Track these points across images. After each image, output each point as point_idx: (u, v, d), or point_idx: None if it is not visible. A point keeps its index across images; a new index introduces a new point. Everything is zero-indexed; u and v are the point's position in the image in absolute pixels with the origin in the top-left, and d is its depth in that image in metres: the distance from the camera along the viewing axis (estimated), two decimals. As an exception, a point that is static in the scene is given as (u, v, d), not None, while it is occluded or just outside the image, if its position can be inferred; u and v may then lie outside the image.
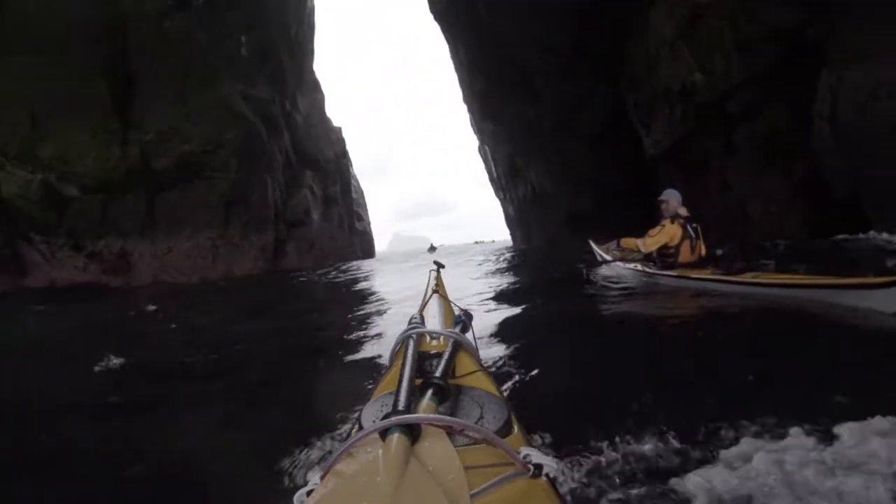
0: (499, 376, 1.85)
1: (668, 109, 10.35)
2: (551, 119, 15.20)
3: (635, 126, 12.14)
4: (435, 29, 20.15)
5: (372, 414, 0.74)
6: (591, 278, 5.06)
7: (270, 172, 15.99)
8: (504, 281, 6.30)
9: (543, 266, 8.39)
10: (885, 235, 5.75)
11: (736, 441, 1.11)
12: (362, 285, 8.42)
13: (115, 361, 2.75)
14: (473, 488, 0.47)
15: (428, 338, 1.01)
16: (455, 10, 17.08)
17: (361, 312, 4.50)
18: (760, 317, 2.78)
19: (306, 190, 18.30)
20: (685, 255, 4.22)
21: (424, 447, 0.53)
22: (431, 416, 0.58)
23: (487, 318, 3.23)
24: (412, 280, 6.91)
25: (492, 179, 24.27)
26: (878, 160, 6.13)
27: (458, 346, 0.90)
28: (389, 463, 0.47)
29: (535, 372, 1.89)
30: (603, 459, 1.06)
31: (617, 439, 1.14)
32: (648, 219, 4.52)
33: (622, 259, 5.06)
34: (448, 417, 0.57)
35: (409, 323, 1.02)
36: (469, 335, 1.12)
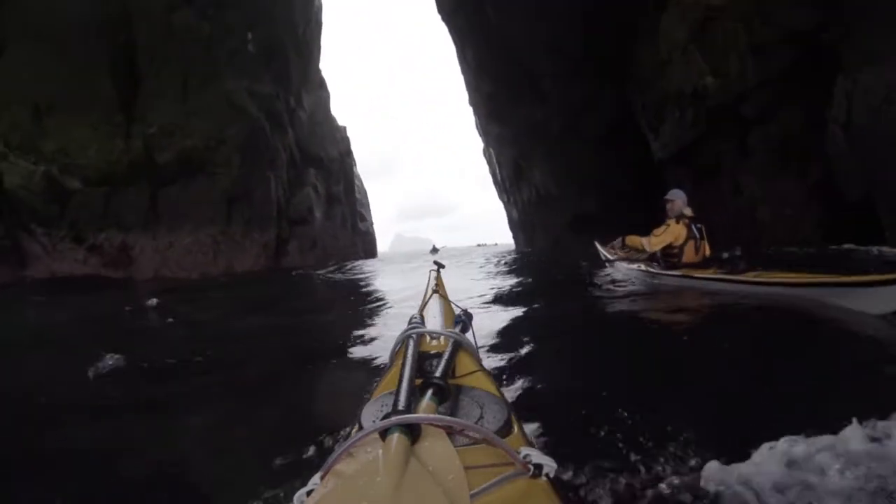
0: (499, 376, 1.84)
1: (678, 113, 10.31)
2: (558, 121, 15.22)
3: (642, 129, 12.11)
4: (441, 28, 20.24)
5: (372, 414, 0.73)
6: (593, 279, 5.07)
7: (274, 170, 16.02)
8: (505, 282, 6.30)
9: (546, 268, 8.40)
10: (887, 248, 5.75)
11: (738, 441, 1.11)
12: (364, 285, 8.43)
13: (114, 357, 2.74)
14: (473, 488, 0.47)
15: (428, 338, 1.01)
16: (463, 12, 17.12)
17: (362, 312, 4.50)
18: (762, 316, 2.81)
19: (309, 188, 18.32)
20: (689, 255, 4.23)
21: (424, 447, 0.53)
22: (431, 416, 0.58)
23: (488, 318, 3.23)
24: (413, 280, 6.91)
25: (496, 182, 24.28)
26: (893, 164, 6.12)
27: (458, 346, 0.90)
28: (389, 463, 0.47)
29: (535, 372, 1.89)
30: (603, 459, 1.06)
31: (617, 439, 1.13)
32: (654, 221, 4.55)
33: (626, 259, 5.07)
34: (448, 417, 0.57)
35: (409, 323, 1.02)
36: (469, 335, 1.12)
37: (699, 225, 4.30)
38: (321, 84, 22.56)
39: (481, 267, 9.85)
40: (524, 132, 17.09)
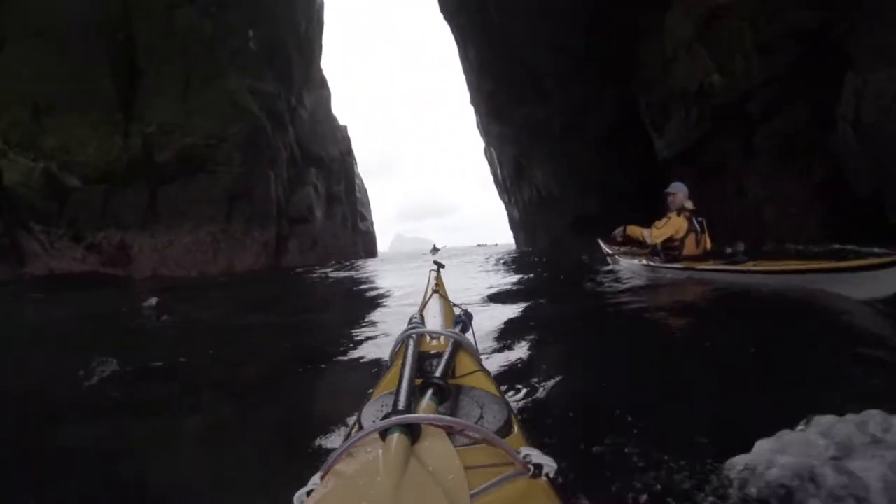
0: (499, 376, 1.85)
1: (683, 111, 10.27)
2: (559, 121, 15.23)
3: (646, 128, 12.06)
4: (442, 28, 20.26)
5: (372, 414, 0.73)
6: (595, 275, 5.11)
7: (274, 168, 16.02)
8: (505, 281, 6.30)
9: (547, 267, 8.40)
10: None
11: (741, 435, 1.11)
12: (364, 284, 8.42)
13: (112, 356, 2.74)
14: (473, 488, 0.47)
15: (428, 338, 1.01)
16: (466, 11, 17.13)
17: (362, 312, 4.49)
18: (760, 305, 2.89)
19: (310, 187, 18.33)
20: (690, 248, 4.25)
21: (424, 447, 0.53)
22: (431, 416, 0.58)
23: (488, 317, 3.23)
24: (414, 280, 6.91)
25: (497, 182, 24.29)
26: (904, 162, 6.06)
27: (458, 346, 0.89)
28: (389, 463, 0.47)
29: (535, 372, 1.89)
30: (604, 459, 1.06)
31: (618, 438, 1.13)
32: (655, 219, 4.58)
33: (628, 254, 5.12)
34: (448, 417, 0.57)
35: (409, 323, 1.02)
36: (469, 335, 1.12)
37: (700, 218, 4.33)
38: (322, 83, 22.58)
39: (481, 266, 9.86)
40: (525, 131, 17.10)
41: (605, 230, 7.66)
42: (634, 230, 4.64)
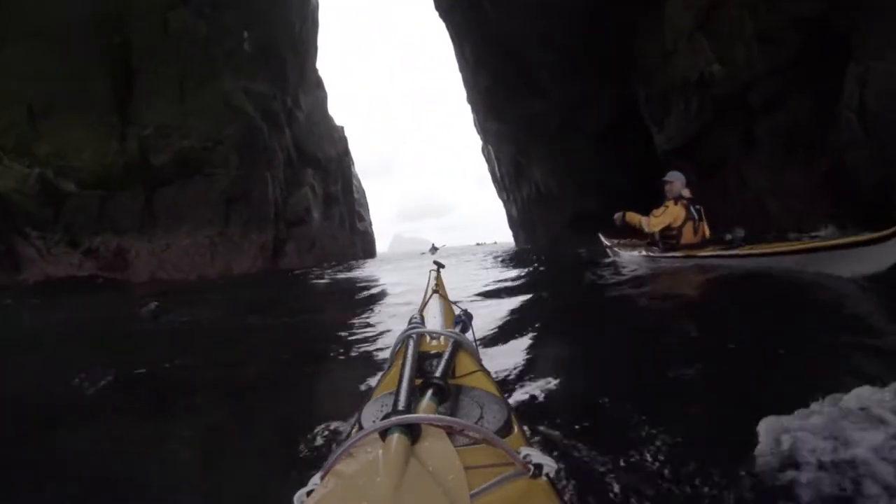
0: (499, 376, 1.84)
1: (683, 103, 10.20)
2: (557, 117, 15.20)
3: (646, 123, 11.98)
4: (440, 27, 20.21)
5: (372, 414, 0.73)
6: (594, 269, 5.14)
7: (271, 170, 15.99)
8: (505, 279, 6.31)
9: (546, 263, 8.40)
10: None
11: (743, 430, 1.11)
12: (362, 285, 8.42)
13: (110, 360, 2.74)
14: (473, 488, 0.47)
15: (428, 338, 1.01)
16: (461, 8, 17.07)
17: (361, 312, 4.49)
18: (757, 289, 2.96)
19: (307, 188, 18.29)
20: (688, 236, 4.28)
21: (424, 447, 0.53)
22: (431, 416, 0.58)
23: (488, 317, 3.23)
24: (412, 280, 6.91)
25: (495, 180, 24.31)
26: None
27: (458, 346, 0.90)
28: (389, 463, 0.47)
29: (535, 371, 1.89)
30: (604, 458, 1.06)
31: (618, 437, 1.13)
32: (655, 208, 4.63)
33: (628, 246, 5.18)
34: (448, 417, 0.57)
35: (409, 323, 1.02)
36: (469, 335, 1.12)
37: (697, 206, 4.37)
38: (318, 84, 22.54)
39: (480, 265, 9.87)
40: (523, 128, 17.08)
41: (604, 226, 7.67)
42: (633, 217, 4.72)
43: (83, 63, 13.21)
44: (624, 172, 13.42)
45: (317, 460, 1.27)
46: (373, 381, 0.92)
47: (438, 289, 1.64)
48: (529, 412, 1.31)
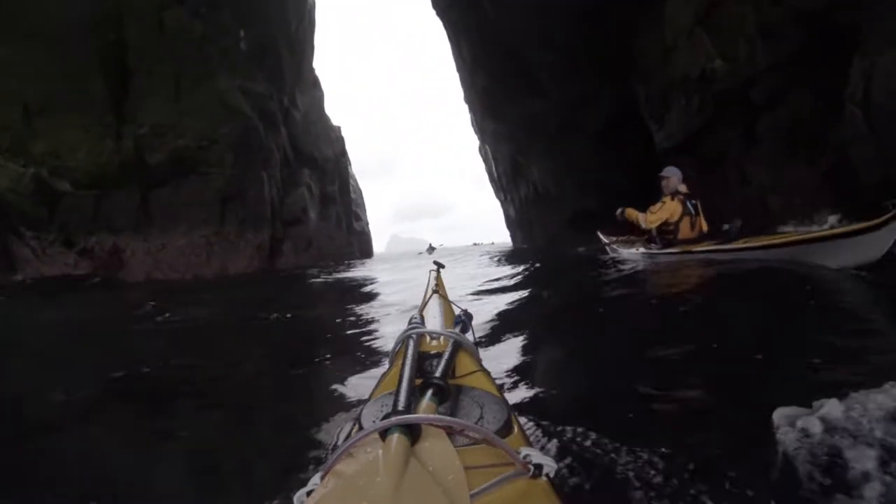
0: (499, 376, 1.84)
1: (684, 100, 10.11)
2: (555, 117, 15.15)
3: (646, 121, 11.88)
4: (438, 27, 20.17)
5: (372, 414, 0.74)
6: (593, 266, 5.18)
7: (267, 169, 15.93)
8: (504, 280, 6.31)
9: (544, 264, 8.41)
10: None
11: (745, 428, 1.11)
12: (361, 285, 8.41)
13: (108, 361, 2.72)
14: (473, 488, 0.47)
15: (428, 338, 1.01)
16: (458, 6, 17.01)
17: (360, 312, 4.49)
18: (753, 283, 3.00)
19: (304, 188, 18.24)
20: (685, 231, 4.32)
21: (424, 447, 0.53)
22: (431, 416, 0.58)
23: (488, 317, 3.23)
24: (409, 279, 6.91)
25: (492, 180, 24.29)
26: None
27: (458, 346, 0.90)
28: (389, 463, 0.47)
29: (535, 371, 1.89)
30: (605, 458, 1.06)
31: (619, 437, 1.13)
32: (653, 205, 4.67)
33: (626, 243, 5.23)
34: (448, 417, 0.57)
35: (409, 323, 1.03)
36: (469, 335, 1.12)
37: (694, 201, 4.40)
38: (315, 83, 22.48)
39: (478, 264, 9.87)
40: (521, 128, 17.05)
41: (603, 224, 7.67)
42: (631, 213, 4.80)
43: (78, 62, 13.12)
44: (623, 172, 13.38)
45: (316, 461, 1.27)
46: (372, 382, 0.92)
47: (438, 289, 1.64)
48: (529, 412, 1.31)
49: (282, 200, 16.87)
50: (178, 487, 1.37)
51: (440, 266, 1.92)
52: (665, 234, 4.41)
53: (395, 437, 0.51)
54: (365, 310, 4.65)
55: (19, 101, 12.95)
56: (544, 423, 1.22)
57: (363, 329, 3.48)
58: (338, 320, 4.25)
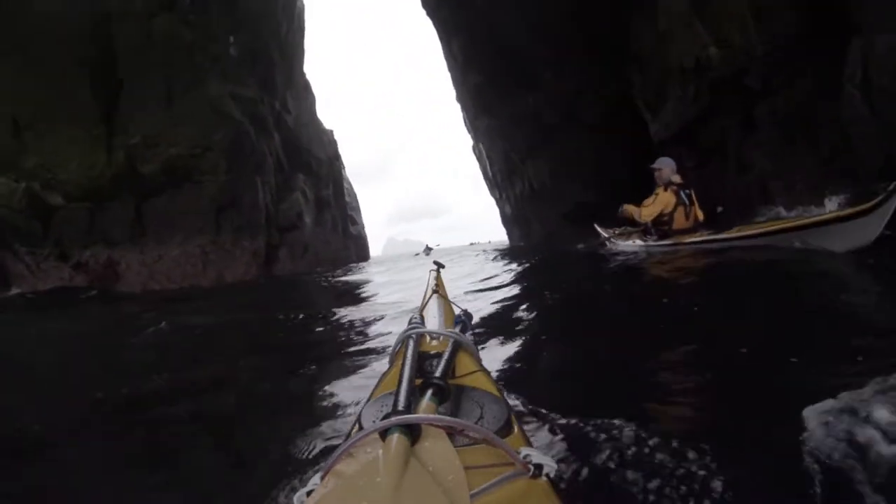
0: (499, 376, 1.84)
1: (679, 89, 9.99)
2: (550, 111, 15.10)
3: (641, 114, 11.79)
4: (429, 27, 20.11)
5: (372, 414, 0.74)
6: (591, 261, 5.20)
7: (261, 175, 15.88)
8: (502, 278, 6.32)
9: (543, 261, 8.42)
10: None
11: (743, 432, 1.10)
12: (358, 287, 8.40)
13: (108, 373, 2.70)
14: (473, 488, 0.47)
15: (428, 338, 1.01)
16: (448, 5, 16.92)
17: (358, 314, 4.48)
18: (751, 272, 3.02)
19: (298, 193, 18.20)
20: (679, 221, 4.35)
21: (424, 447, 0.53)
22: (431, 416, 0.58)
23: (487, 316, 3.23)
24: (407, 281, 6.90)
25: (486, 178, 24.26)
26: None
27: (458, 346, 0.90)
28: (389, 463, 0.47)
29: (535, 371, 1.89)
30: (605, 458, 1.05)
31: (620, 436, 1.12)
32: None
33: (623, 236, 5.26)
34: (448, 417, 0.57)
35: (409, 323, 1.03)
36: (469, 335, 1.12)
37: (688, 191, 4.43)
38: (306, 87, 22.43)
39: (475, 264, 9.87)
40: (515, 124, 17.00)
41: (601, 218, 7.66)
42: (629, 208, 4.87)
43: (67, 74, 13.05)
44: (620, 164, 13.26)
45: (317, 461, 1.27)
46: (372, 382, 0.92)
47: (438, 289, 1.64)
48: (529, 412, 1.31)
49: (277, 206, 16.82)
50: (177, 488, 1.37)
51: (440, 266, 1.92)
52: (660, 225, 4.45)
53: (395, 437, 0.51)
54: (362, 311, 4.64)
55: (8, 115, 12.87)
56: (544, 422, 1.22)
57: (361, 330, 3.47)
58: (335, 322, 4.25)
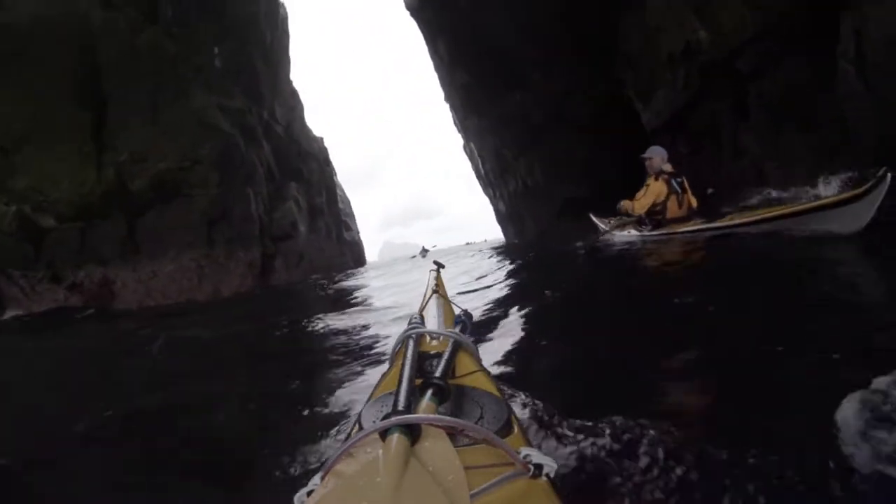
0: (499, 376, 1.83)
1: (670, 75, 9.91)
2: (541, 108, 15.06)
3: (632, 101, 11.72)
4: (415, 29, 20.09)
5: (372, 414, 0.74)
6: (587, 256, 5.21)
7: (252, 185, 15.81)
8: (500, 278, 6.32)
9: (539, 258, 8.42)
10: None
11: (744, 432, 1.10)
12: (355, 293, 8.38)
13: (108, 393, 2.68)
14: (473, 488, 0.47)
15: (428, 338, 1.01)
16: (432, 6, 16.88)
17: (355, 319, 4.47)
18: (749, 260, 3.01)
19: (291, 202, 18.13)
20: (673, 210, 4.37)
21: (424, 447, 0.53)
22: (431, 416, 0.58)
23: (487, 316, 3.22)
24: (404, 284, 6.89)
25: (479, 177, 24.25)
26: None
27: (458, 346, 0.90)
28: (389, 463, 0.47)
29: (535, 371, 1.89)
30: (606, 457, 1.05)
31: (621, 436, 1.12)
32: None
33: (618, 227, 5.27)
34: (448, 417, 0.57)
35: (409, 323, 1.03)
36: (469, 335, 1.12)
37: (679, 179, 4.44)
38: (293, 95, 22.37)
39: (473, 264, 9.86)
40: (506, 122, 16.98)
41: (594, 208, 7.64)
42: (624, 205, 4.90)
43: (53, 94, 12.98)
44: (612, 157, 13.23)
45: (317, 461, 1.26)
46: (372, 382, 0.92)
47: (438, 289, 1.64)
48: (529, 412, 1.31)
49: (270, 216, 16.75)
50: (177, 489, 1.36)
51: (440, 266, 1.92)
52: (654, 214, 4.47)
53: (395, 438, 0.51)
54: (358, 316, 4.63)
55: (-5, 137, 12.77)
56: (544, 422, 1.22)
57: (357, 334, 3.47)
58: (332, 328, 4.24)
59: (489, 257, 10.50)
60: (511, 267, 6.94)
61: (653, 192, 4.39)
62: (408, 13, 19.46)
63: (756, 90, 8.23)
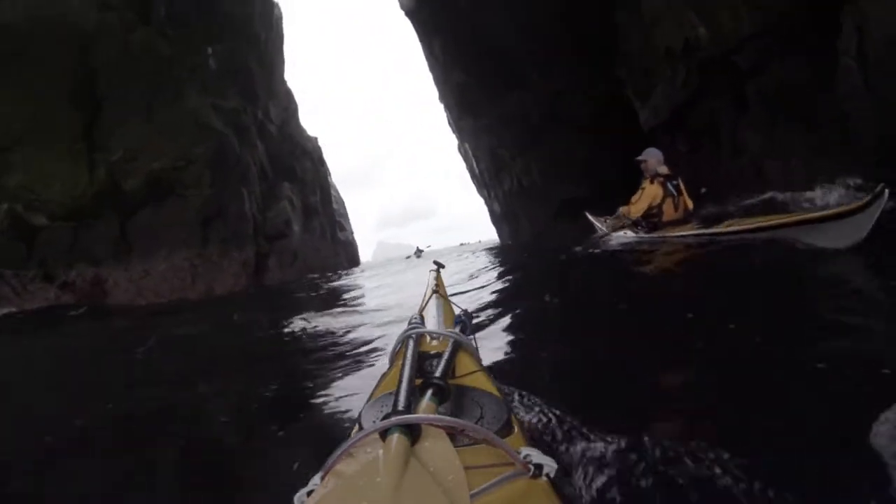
0: (499, 376, 1.82)
1: (668, 71, 9.82)
2: (538, 107, 15.03)
3: (631, 100, 11.63)
4: (408, 27, 20.03)
5: (372, 414, 0.74)
6: (583, 257, 5.21)
7: (246, 185, 15.74)
8: (499, 278, 6.32)
9: (535, 258, 8.43)
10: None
11: (745, 431, 1.10)
12: (348, 293, 8.36)
13: (95, 392, 2.66)
14: (473, 488, 0.47)
15: (428, 338, 1.01)
16: (429, 6, 16.83)
17: (356, 317, 4.47)
18: (744, 266, 2.99)
19: (285, 202, 18.06)
20: (669, 213, 4.36)
21: (424, 447, 0.53)
22: (431, 416, 0.58)
23: (487, 316, 3.22)
24: (397, 284, 6.88)
25: (474, 177, 24.23)
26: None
27: (458, 346, 0.90)
28: (389, 463, 0.47)
29: (535, 371, 1.89)
30: (606, 457, 1.05)
31: (622, 436, 1.12)
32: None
33: (613, 228, 5.26)
34: (448, 417, 0.57)
35: (409, 323, 1.03)
36: (469, 335, 1.12)
37: (675, 181, 4.43)
38: (288, 95, 22.29)
39: (469, 263, 9.87)
40: (502, 122, 16.94)
41: (590, 207, 7.64)
42: (623, 211, 4.89)
43: (47, 93, 12.86)
44: (611, 157, 13.21)
45: (317, 461, 1.25)
46: (372, 382, 0.91)
47: (438, 289, 1.64)
48: (529, 412, 1.31)
49: (264, 215, 16.68)
50: (178, 484, 1.36)
51: (440, 266, 1.92)
52: (650, 217, 4.47)
53: (395, 438, 0.51)
54: (351, 316, 4.63)
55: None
56: (544, 423, 1.22)
57: (362, 331, 3.46)
58: (334, 326, 4.22)
59: (483, 258, 10.52)
60: (507, 268, 6.95)
61: (648, 195, 4.39)
62: (403, 14, 19.42)
63: (755, 88, 8.14)
